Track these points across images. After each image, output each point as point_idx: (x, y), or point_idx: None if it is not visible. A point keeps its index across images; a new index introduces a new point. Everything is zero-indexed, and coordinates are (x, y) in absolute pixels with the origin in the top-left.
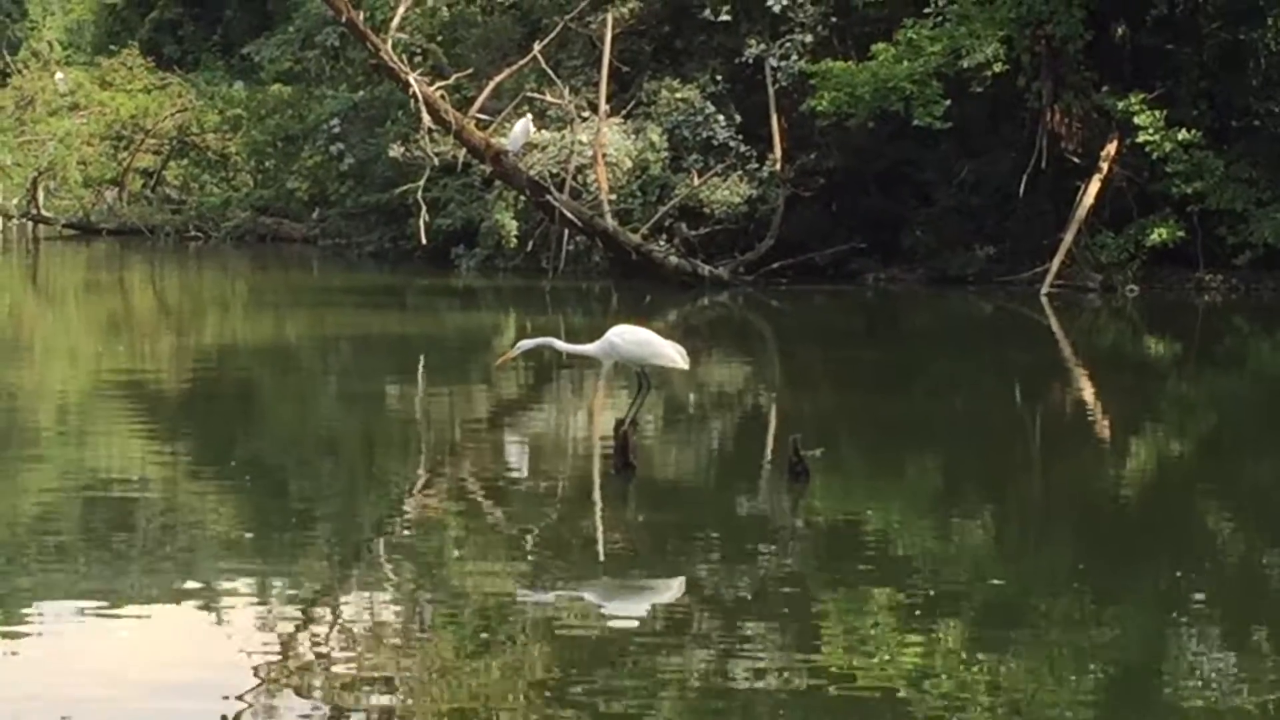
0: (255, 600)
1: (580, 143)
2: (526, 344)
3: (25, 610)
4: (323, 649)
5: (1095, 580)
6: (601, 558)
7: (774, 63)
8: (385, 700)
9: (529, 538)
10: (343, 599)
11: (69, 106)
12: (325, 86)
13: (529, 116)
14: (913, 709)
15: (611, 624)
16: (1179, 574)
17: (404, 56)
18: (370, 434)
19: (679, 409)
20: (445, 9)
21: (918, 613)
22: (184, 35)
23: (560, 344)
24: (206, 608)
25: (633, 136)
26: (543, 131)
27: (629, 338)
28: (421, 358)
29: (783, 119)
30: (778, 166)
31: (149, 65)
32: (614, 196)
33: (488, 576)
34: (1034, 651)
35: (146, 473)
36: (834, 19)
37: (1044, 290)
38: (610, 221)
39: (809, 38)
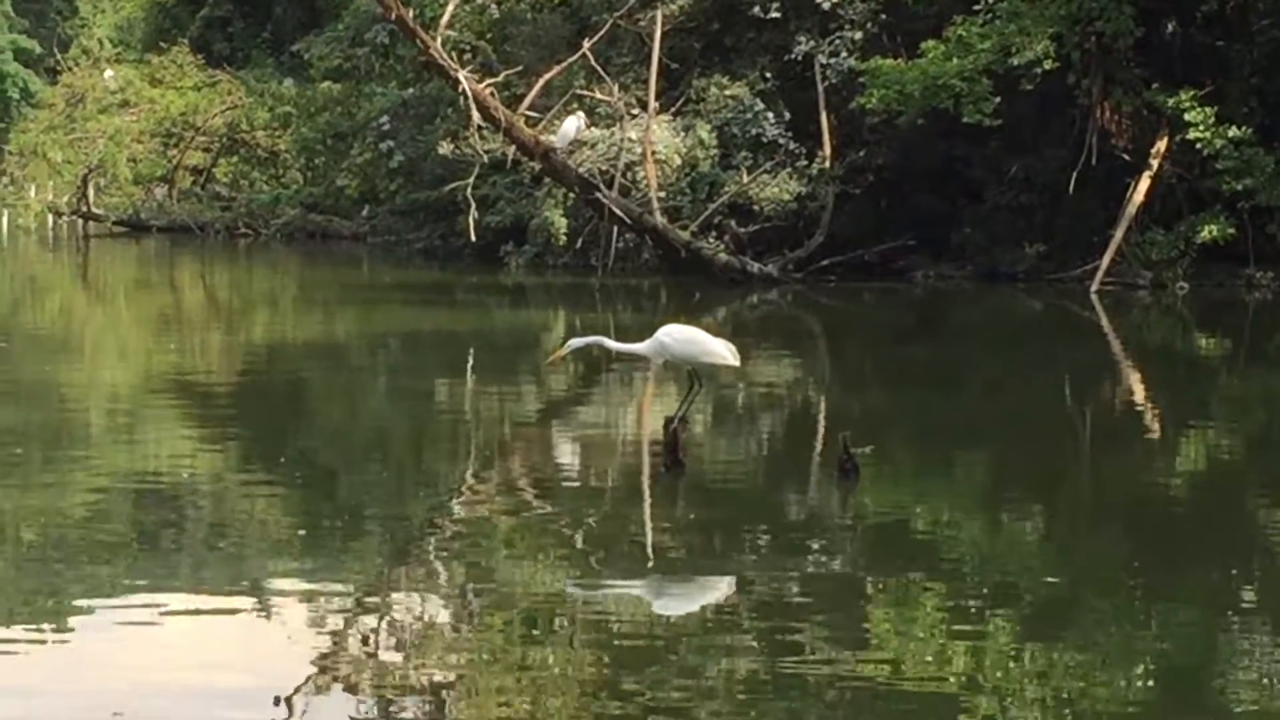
0: (305, 598)
1: (630, 140)
2: (576, 343)
3: (76, 608)
4: (372, 647)
5: (1146, 578)
6: (651, 555)
7: (823, 60)
8: (435, 698)
9: (578, 535)
10: (392, 597)
11: (119, 104)
12: (375, 84)
13: (581, 115)
14: (963, 706)
15: (661, 622)
16: (1231, 572)
17: (453, 54)
18: (420, 431)
19: (728, 406)
20: (495, 6)
21: (968, 610)
22: (234, 32)
23: (610, 343)
24: (257, 606)
25: (682, 133)
26: (592, 129)
27: (678, 336)
28: (471, 355)
29: (832, 116)
30: (827, 164)
31: (199, 62)
32: (663, 194)
33: (537, 574)
34: (1085, 649)
35: (196, 470)
36: (883, 16)
37: (1094, 287)
38: (659, 219)
39: (858, 35)
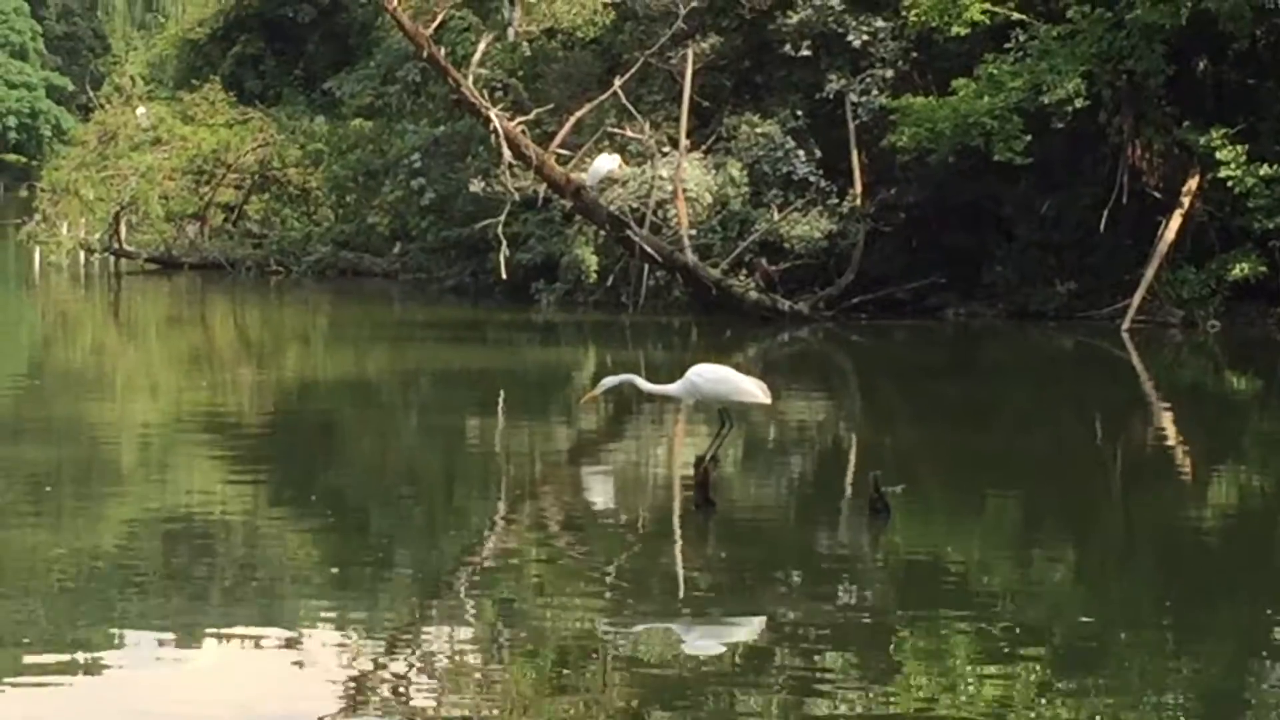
0: (336, 636)
1: (660, 178)
2: (609, 382)
3: (107, 645)
4: (403, 685)
5: (1177, 617)
6: (682, 594)
7: (854, 98)
8: None
9: (609, 574)
10: (423, 634)
11: (151, 141)
12: (406, 121)
13: (615, 156)
14: None
15: (692, 660)
16: (1262, 611)
17: (485, 92)
18: (450, 469)
19: (759, 445)
20: (526, 45)
21: (999, 649)
22: (265, 70)
23: (642, 383)
24: (287, 643)
25: (713, 171)
26: (623, 166)
27: (709, 375)
28: (502, 392)
29: (863, 154)
30: (858, 201)
31: (230, 100)
32: (694, 231)
33: (568, 612)
34: (1115, 687)
35: (228, 508)
36: (915, 54)
37: (1125, 326)
38: (690, 256)
39: (889, 73)
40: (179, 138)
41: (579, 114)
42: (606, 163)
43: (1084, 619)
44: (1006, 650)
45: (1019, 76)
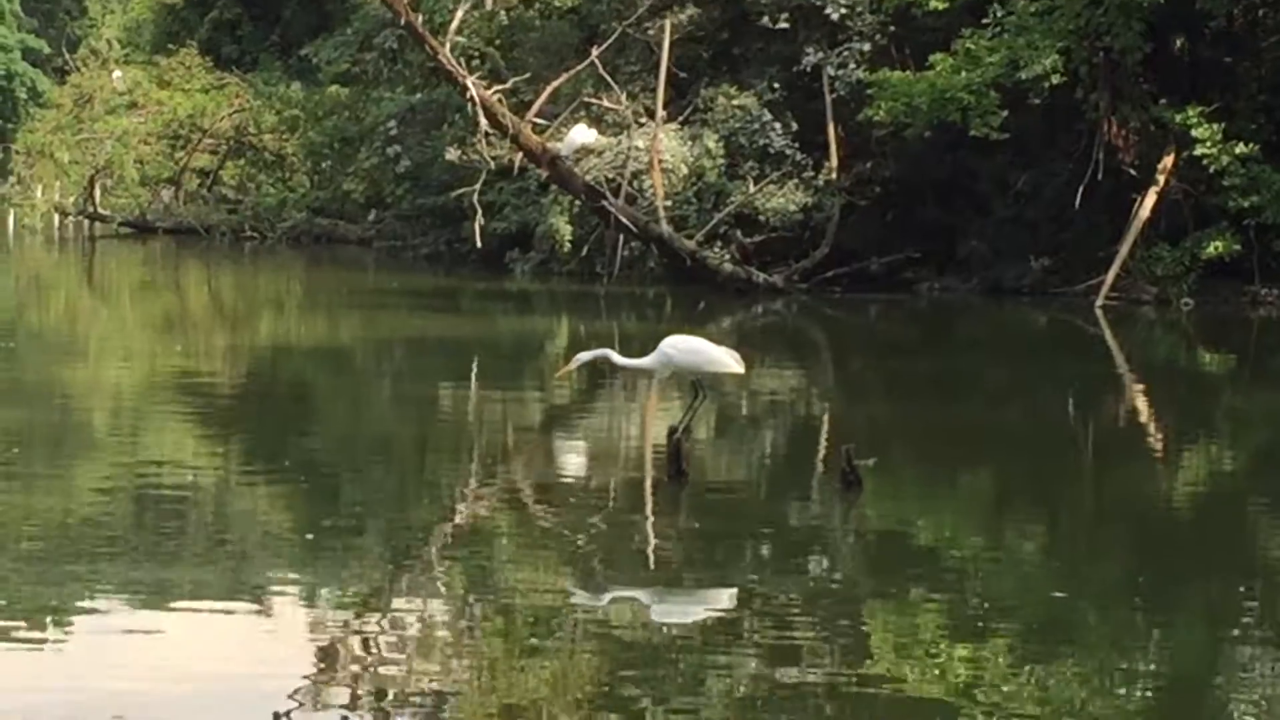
0: (306, 602)
1: (637, 148)
2: (584, 356)
3: (77, 610)
4: (373, 652)
5: (1147, 593)
6: (653, 565)
7: (831, 71)
8: (435, 705)
9: (580, 544)
10: (393, 602)
11: (127, 105)
12: (383, 88)
13: (592, 131)
14: (962, 718)
15: (662, 631)
16: (1233, 587)
17: (462, 60)
18: (423, 437)
19: (732, 417)
20: (504, 13)
21: (969, 624)
22: (242, 35)
23: (617, 358)
24: (257, 609)
25: (689, 143)
26: (599, 137)
27: (683, 347)
28: (475, 361)
29: (839, 128)
30: (833, 175)
31: (207, 65)
32: (669, 202)
33: (538, 582)
34: (1085, 664)
35: (199, 473)
36: (892, 28)
37: (1099, 302)
38: (665, 227)
39: (867, 47)
40: (155, 102)
41: (556, 83)
42: (581, 134)
43: (1054, 594)
44: (977, 624)
45: (996, 52)
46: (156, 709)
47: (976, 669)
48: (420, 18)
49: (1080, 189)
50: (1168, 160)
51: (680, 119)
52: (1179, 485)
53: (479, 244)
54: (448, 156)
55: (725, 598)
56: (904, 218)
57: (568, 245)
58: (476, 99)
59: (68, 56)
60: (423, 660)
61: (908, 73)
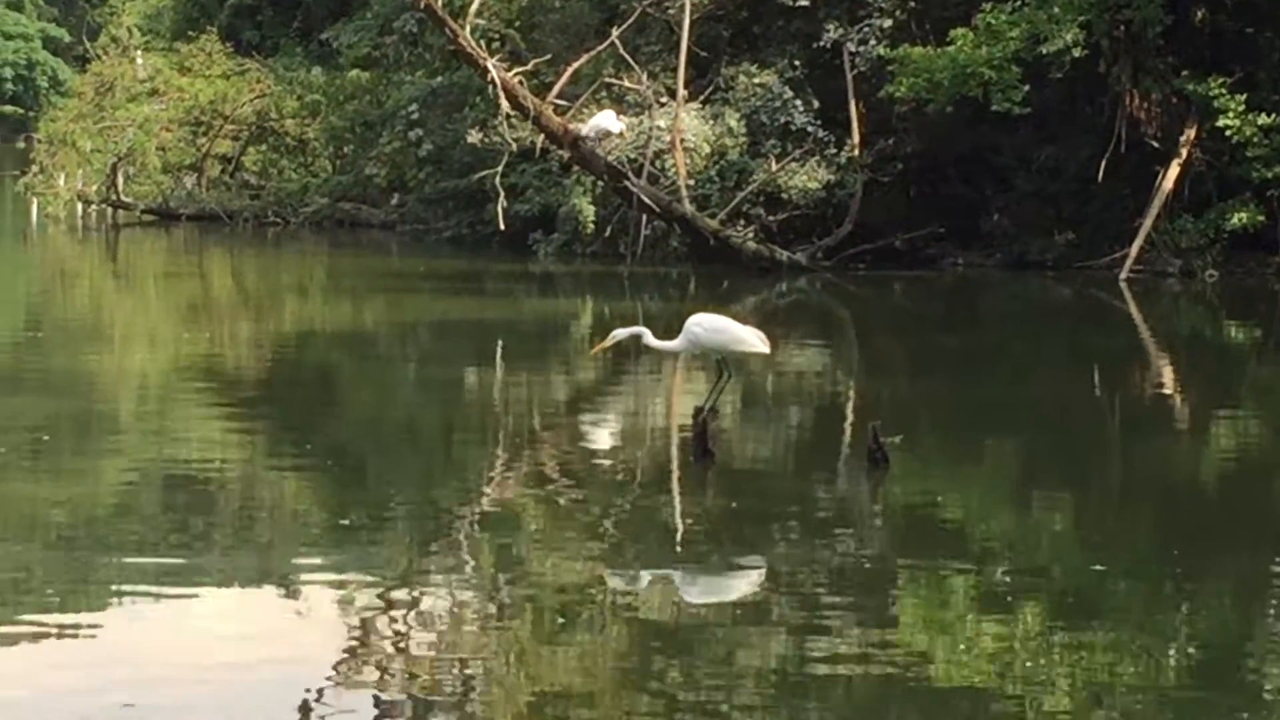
0: (334, 585)
1: (658, 128)
2: (621, 333)
3: (105, 596)
4: (402, 634)
5: (1175, 564)
6: (680, 544)
7: (852, 48)
8: (464, 685)
9: (608, 524)
10: (421, 584)
11: (148, 92)
12: (403, 72)
13: (622, 122)
14: (994, 693)
15: (690, 610)
16: (1261, 557)
17: (482, 42)
18: (449, 419)
19: (758, 396)
20: None
21: (997, 597)
22: (262, 21)
23: (650, 339)
24: (286, 593)
25: (710, 122)
26: (620, 117)
27: (709, 325)
28: (500, 343)
29: (861, 104)
30: (856, 152)
31: (227, 51)
32: (692, 182)
33: (566, 562)
34: (1114, 636)
35: (226, 458)
36: (913, 4)
37: (1123, 275)
38: (688, 207)
39: (888, 23)
40: (176, 89)
41: (576, 64)
42: (609, 121)
43: (1084, 567)
44: (1006, 598)
45: (1017, 26)
46: (187, 693)
47: (1005, 642)
48: (440, 1)
49: (1103, 162)
50: (1190, 132)
51: (701, 98)
52: (1206, 457)
53: (502, 226)
54: (469, 139)
55: (754, 576)
56: (927, 194)
57: (591, 226)
58: (497, 81)
59: (88, 44)
60: (451, 644)
61: (929, 48)
